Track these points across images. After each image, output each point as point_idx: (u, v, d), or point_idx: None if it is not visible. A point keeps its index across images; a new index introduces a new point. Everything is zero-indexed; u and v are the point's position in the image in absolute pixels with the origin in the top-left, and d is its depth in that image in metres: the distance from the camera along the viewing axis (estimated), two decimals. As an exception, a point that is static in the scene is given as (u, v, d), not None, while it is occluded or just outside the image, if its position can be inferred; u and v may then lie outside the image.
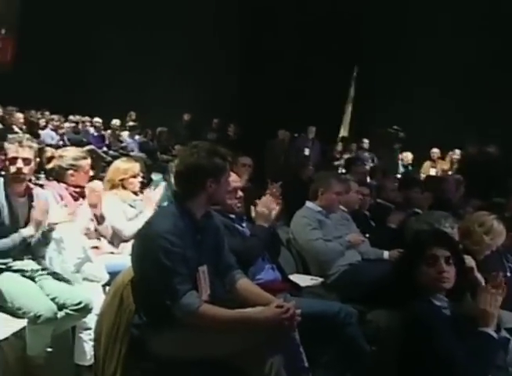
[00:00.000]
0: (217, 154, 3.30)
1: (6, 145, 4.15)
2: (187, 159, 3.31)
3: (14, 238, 3.98)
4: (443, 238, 3.39)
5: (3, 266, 4.00)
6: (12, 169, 4.07)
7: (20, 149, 4.08)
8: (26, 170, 4.11)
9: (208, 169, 3.25)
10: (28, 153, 4.11)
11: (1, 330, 4.02)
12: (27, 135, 4.28)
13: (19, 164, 4.07)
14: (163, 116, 16.11)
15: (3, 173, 4.21)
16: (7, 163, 4.11)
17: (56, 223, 4.12)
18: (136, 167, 5.28)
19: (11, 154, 4.09)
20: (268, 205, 4.35)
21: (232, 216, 4.30)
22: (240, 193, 4.34)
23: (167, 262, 3.06)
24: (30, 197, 4.19)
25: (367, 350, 4.13)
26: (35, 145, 4.26)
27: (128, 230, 4.96)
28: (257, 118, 15.49)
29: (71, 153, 5.03)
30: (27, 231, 4.01)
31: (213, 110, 16.29)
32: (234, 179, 4.16)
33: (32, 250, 4.13)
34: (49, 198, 4.33)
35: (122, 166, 5.25)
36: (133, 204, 5.16)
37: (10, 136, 4.43)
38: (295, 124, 14.66)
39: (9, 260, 4.02)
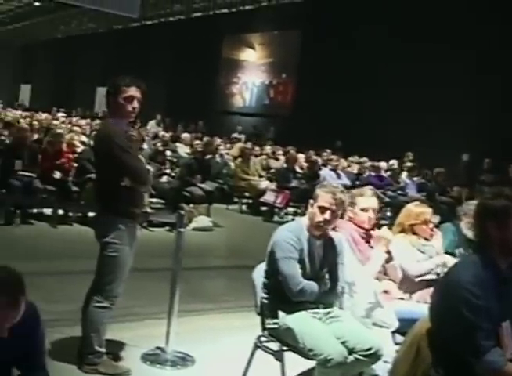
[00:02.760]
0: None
1: (318, 191, 4.20)
2: (484, 205, 3.16)
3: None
4: None
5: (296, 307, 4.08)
6: (319, 218, 4.13)
7: (333, 201, 4.11)
8: (331, 222, 4.17)
9: (503, 214, 3.05)
10: (336, 206, 4.13)
11: (291, 369, 4.14)
12: (341, 188, 4.27)
13: (327, 215, 4.11)
14: (441, 156, 15.83)
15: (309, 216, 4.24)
16: (317, 209, 4.14)
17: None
18: (428, 213, 5.11)
19: (321, 203, 4.13)
20: None
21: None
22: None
23: (470, 315, 2.90)
24: (326, 240, 4.26)
25: None
26: (346, 197, 4.29)
27: (413, 270, 4.87)
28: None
29: (352, 191, 5.00)
30: None
31: (491, 150, 15.71)
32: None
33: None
34: (343, 241, 4.37)
35: (414, 210, 5.10)
36: (422, 250, 5.01)
37: (324, 184, 4.49)
38: None
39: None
